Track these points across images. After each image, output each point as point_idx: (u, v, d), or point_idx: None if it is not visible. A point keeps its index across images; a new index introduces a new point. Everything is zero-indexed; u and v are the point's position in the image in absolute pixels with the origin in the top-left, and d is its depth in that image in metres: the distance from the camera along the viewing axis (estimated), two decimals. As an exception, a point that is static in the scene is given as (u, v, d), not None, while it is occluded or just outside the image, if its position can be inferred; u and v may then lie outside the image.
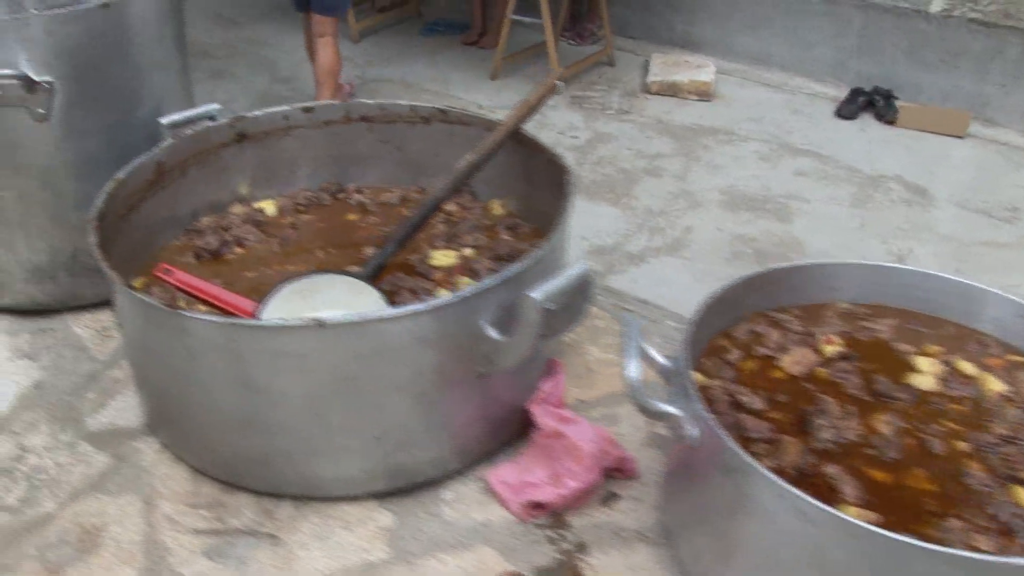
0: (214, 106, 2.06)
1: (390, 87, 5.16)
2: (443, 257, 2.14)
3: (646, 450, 2.22)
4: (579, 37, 5.77)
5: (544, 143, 2.09)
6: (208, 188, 2.17)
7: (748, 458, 1.42)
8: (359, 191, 2.27)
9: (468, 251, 2.11)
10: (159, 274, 2.00)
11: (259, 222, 2.17)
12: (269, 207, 2.20)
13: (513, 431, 1.93)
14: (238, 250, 2.10)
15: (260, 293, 1.91)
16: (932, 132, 4.91)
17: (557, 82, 1.99)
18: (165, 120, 2.04)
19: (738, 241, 3.74)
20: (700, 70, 5.25)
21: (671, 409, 1.52)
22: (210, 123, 2.11)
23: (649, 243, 3.73)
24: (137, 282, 2.04)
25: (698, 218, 3.90)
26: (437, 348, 1.67)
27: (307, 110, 2.08)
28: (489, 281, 1.64)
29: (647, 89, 5.16)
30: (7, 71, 1.91)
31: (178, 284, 1.98)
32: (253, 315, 1.84)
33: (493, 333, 1.65)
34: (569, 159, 4.16)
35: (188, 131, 2.05)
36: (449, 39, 5.86)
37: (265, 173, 2.21)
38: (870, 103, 5.12)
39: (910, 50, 5.20)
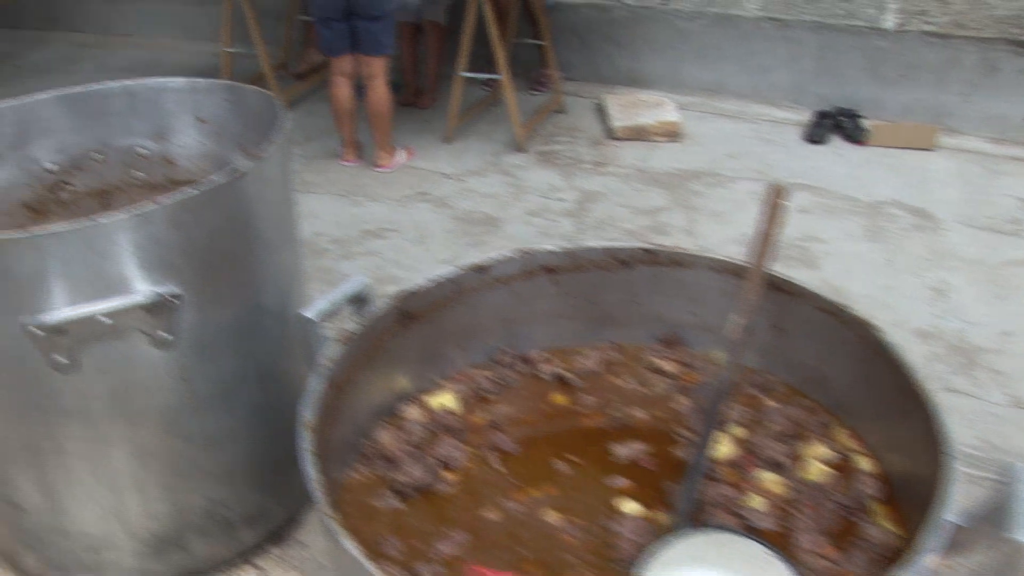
0: (361, 280, 1.51)
1: (337, 165, 4.63)
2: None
3: None
4: (539, 85, 5.31)
5: (808, 287, 1.63)
6: (373, 390, 1.61)
7: None
8: (547, 360, 1.74)
9: (738, 430, 1.62)
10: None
11: (451, 428, 1.62)
12: (449, 401, 1.66)
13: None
14: (448, 476, 1.55)
15: (531, 550, 1.38)
16: (903, 147, 4.85)
17: (781, 188, 1.55)
18: (311, 312, 1.48)
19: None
20: (662, 109, 4.92)
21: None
22: (362, 306, 1.56)
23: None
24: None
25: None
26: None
27: (480, 269, 1.56)
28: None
29: (613, 135, 4.80)
30: (126, 301, 1.32)
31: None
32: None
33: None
34: (566, 226, 3.76)
35: (352, 326, 1.49)
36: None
37: (429, 355, 1.66)
38: (837, 125, 4.93)
39: (868, 67, 5.13)
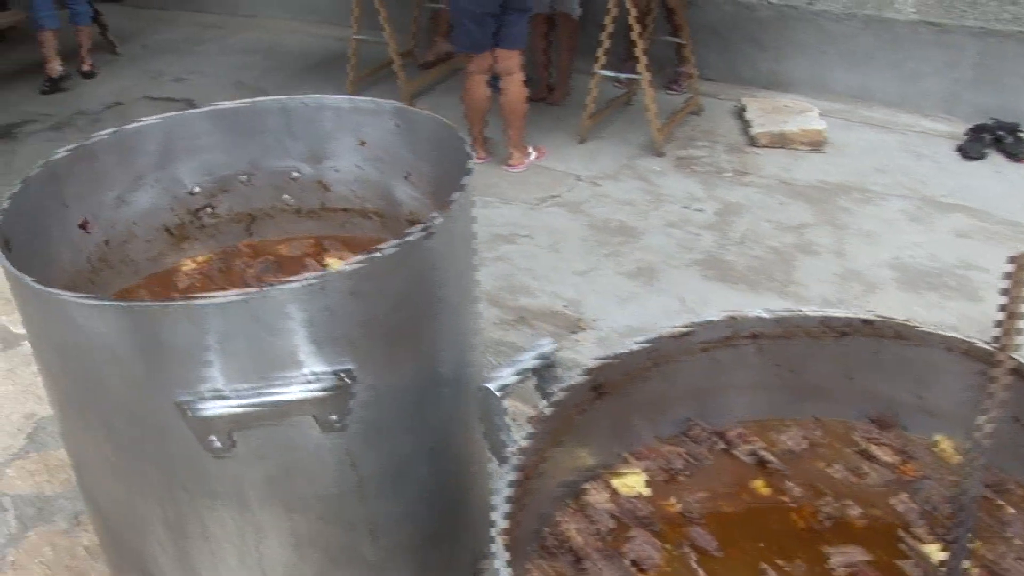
0: (547, 345, 1.31)
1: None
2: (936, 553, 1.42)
3: None
4: (676, 84, 5.06)
5: None
6: (557, 471, 1.41)
7: None
8: (744, 436, 1.52)
9: (979, 545, 1.38)
10: None
11: (641, 518, 1.41)
12: (637, 483, 1.45)
13: None
14: None
15: None
16: None
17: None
18: (495, 386, 1.29)
19: (940, 333, 3.12)
20: (806, 116, 4.63)
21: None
22: (547, 374, 1.36)
23: (843, 344, 3.07)
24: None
25: (881, 306, 3.33)
26: None
27: (680, 336, 1.34)
28: None
29: (753, 142, 4.53)
30: (294, 382, 1.14)
31: None
32: None
33: None
34: (708, 240, 3.53)
35: (546, 405, 1.29)
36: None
37: (616, 428, 1.46)
38: (995, 140, 4.57)
39: (1034, 78, 4.62)
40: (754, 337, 1.57)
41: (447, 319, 1.41)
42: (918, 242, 3.82)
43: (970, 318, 3.31)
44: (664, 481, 1.51)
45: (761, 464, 1.55)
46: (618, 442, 1.54)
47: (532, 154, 4.31)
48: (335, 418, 1.23)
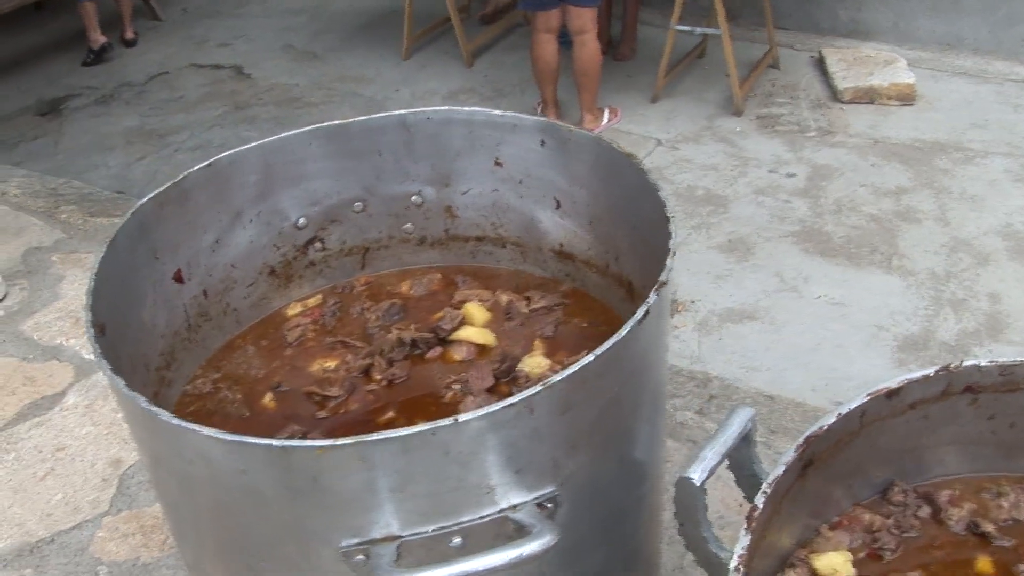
0: (746, 415, 1.10)
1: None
2: None
3: None
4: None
5: None
6: (759, 562, 1.20)
7: None
8: (955, 501, 1.31)
9: None
10: None
11: None
12: (843, 564, 1.24)
13: None
14: None
15: None
16: None
17: None
18: (696, 475, 1.07)
19: (1063, 308, 2.95)
20: (893, 68, 4.33)
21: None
22: (746, 449, 1.14)
23: (960, 325, 3.01)
24: None
25: (996, 279, 3.23)
26: None
27: (891, 394, 1.12)
28: None
29: (838, 97, 4.26)
30: (487, 519, 0.92)
31: None
32: None
33: None
34: (802, 209, 3.30)
35: (761, 500, 1.08)
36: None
37: (816, 501, 1.24)
38: (1099, 88, 4.24)
39: None
40: (972, 390, 1.34)
41: (648, 411, 1.18)
42: (1028, 205, 3.55)
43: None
44: (869, 559, 1.30)
45: (980, 536, 1.32)
46: (816, 514, 1.33)
47: (607, 117, 4.05)
48: (532, 549, 1.01)
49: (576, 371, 0.92)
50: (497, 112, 1.44)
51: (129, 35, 5.57)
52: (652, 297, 1.01)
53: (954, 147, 3.98)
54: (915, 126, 4.16)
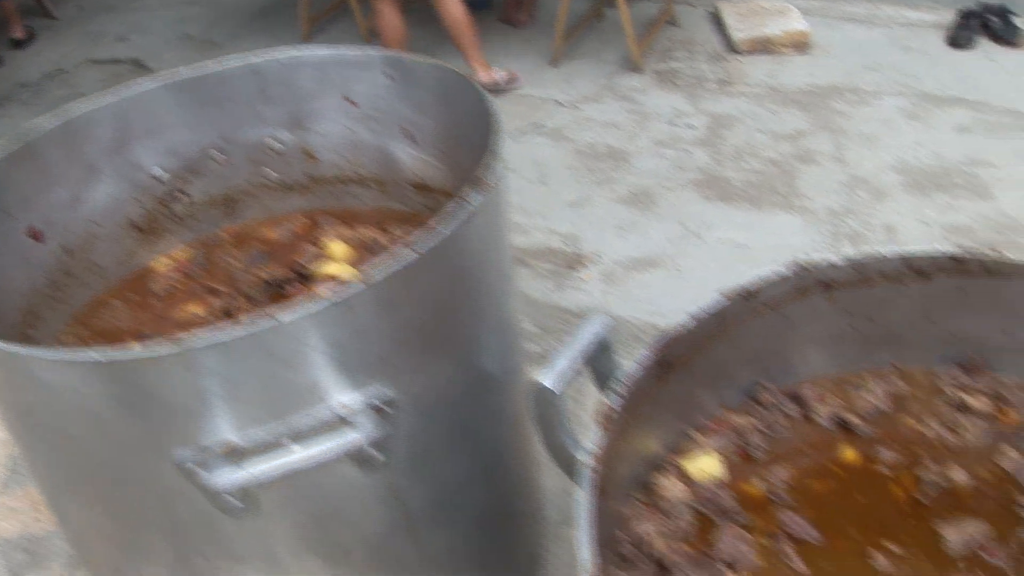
0: (602, 322, 1.11)
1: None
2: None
3: None
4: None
5: None
6: (625, 467, 1.22)
7: None
8: (821, 397, 1.34)
9: None
10: None
11: (725, 508, 1.23)
12: (712, 466, 1.26)
13: None
14: None
15: None
16: None
17: None
18: (550, 380, 1.08)
19: (956, 234, 3.12)
20: (786, 17, 4.41)
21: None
22: (603, 355, 1.16)
23: (859, 257, 2.97)
24: None
25: (892, 211, 3.31)
26: None
27: (748, 296, 1.14)
28: None
29: (735, 48, 4.30)
30: (321, 421, 0.92)
31: None
32: None
33: None
34: (702, 158, 3.36)
35: (617, 401, 1.09)
36: (481, 14, 4.76)
37: (680, 405, 1.27)
38: (984, 25, 4.37)
39: (1018, -47, 4.43)
40: (825, 286, 1.37)
41: (492, 313, 1.19)
42: (920, 141, 3.66)
43: (987, 217, 3.15)
44: (740, 459, 1.32)
45: (844, 428, 1.36)
46: (684, 419, 1.35)
47: (500, 73, 4.02)
48: (376, 454, 1.01)
49: (398, 269, 0.92)
50: (343, 49, 1.43)
51: (19, 35, 5.42)
52: (473, 196, 1.01)
53: (849, 90, 4.05)
54: (811, 72, 4.22)
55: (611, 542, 1.23)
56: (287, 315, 0.90)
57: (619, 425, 1.15)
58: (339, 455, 0.97)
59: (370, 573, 1.23)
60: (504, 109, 4.07)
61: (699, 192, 3.39)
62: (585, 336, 1.18)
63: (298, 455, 0.93)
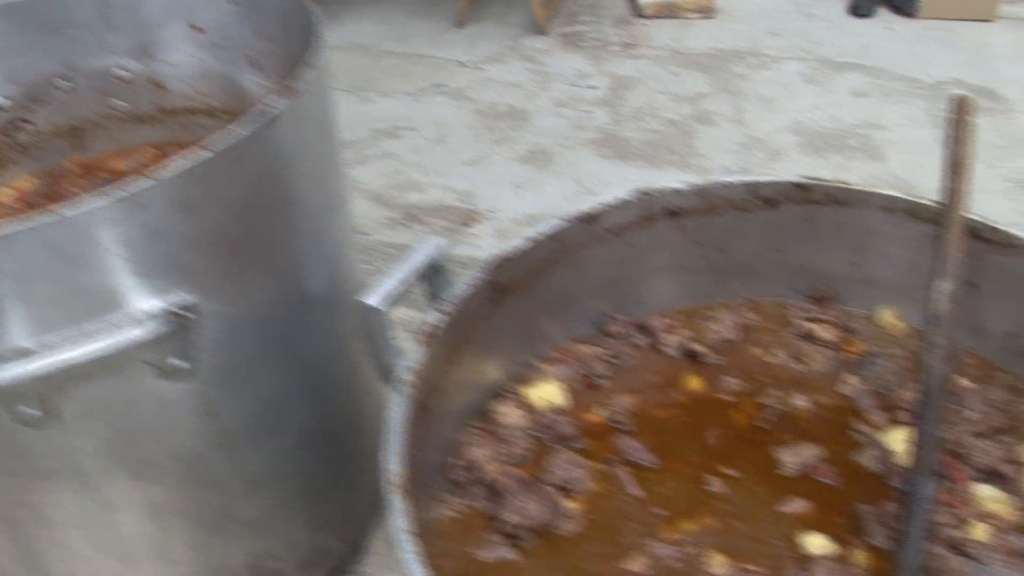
0: (434, 244, 1.09)
1: (341, 57, 4.12)
2: (896, 439, 1.26)
3: None
4: None
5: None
6: (460, 391, 1.19)
7: None
8: (670, 327, 1.33)
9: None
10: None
11: (563, 434, 1.21)
12: (553, 394, 1.25)
13: None
14: (571, 506, 1.14)
15: None
16: (959, 19, 4.37)
17: (968, 101, 1.15)
18: (376, 300, 1.05)
19: (848, 195, 3.04)
20: (692, -18, 4.38)
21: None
22: (436, 278, 1.13)
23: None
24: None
25: (787, 171, 3.24)
26: None
27: (589, 219, 1.13)
28: None
29: (640, 12, 4.31)
30: (118, 326, 0.87)
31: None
32: None
33: None
34: (601, 117, 3.35)
35: (441, 318, 1.06)
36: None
37: (523, 332, 1.25)
38: (883, -6, 4.43)
39: (917, -74, 4.48)
40: (672, 214, 1.36)
41: (310, 227, 1.15)
42: (817, 104, 3.70)
43: (877, 177, 3.19)
44: (585, 388, 1.31)
45: (692, 358, 1.35)
46: (527, 349, 1.32)
47: None
48: (180, 363, 0.97)
49: (190, 167, 0.87)
50: (189, -26, 1.38)
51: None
52: (277, 102, 0.97)
53: (751, 54, 4.07)
54: (715, 36, 4.24)
55: (444, 468, 1.20)
56: (70, 209, 0.85)
57: (445, 345, 1.11)
58: (124, 353, 0.92)
59: (184, 489, 1.19)
60: (406, 70, 4.03)
61: (597, 151, 3.38)
62: (416, 257, 1.15)
63: (79, 350, 0.88)
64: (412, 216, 3.08)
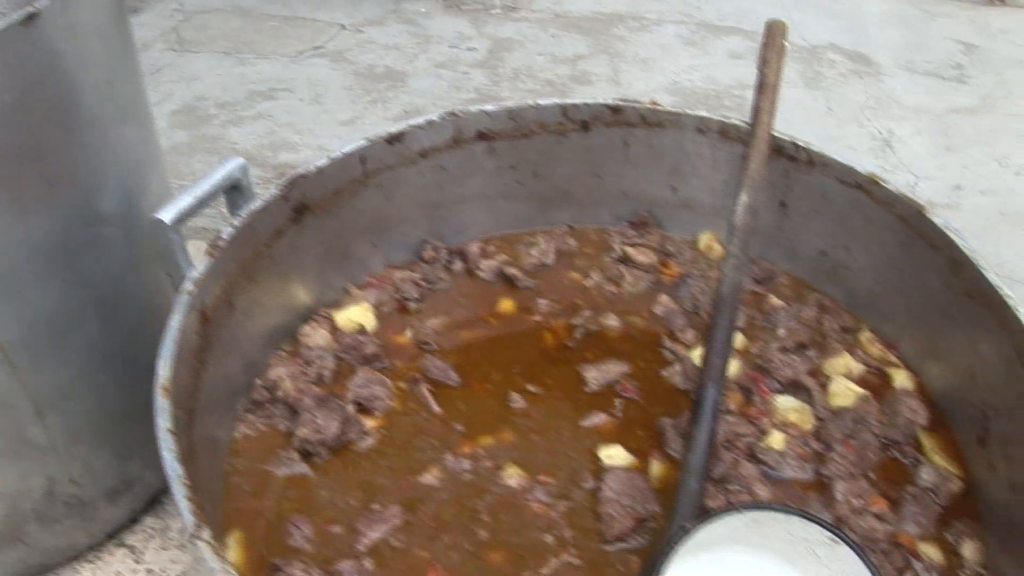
0: (234, 163, 1.06)
1: (222, 19, 4.03)
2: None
3: None
4: None
5: (828, 154, 1.23)
6: (263, 312, 1.17)
7: None
8: (487, 253, 1.32)
9: (738, 338, 1.24)
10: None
11: (366, 354, 1.20)
12: (361, 315, 1.23)
13: None
14: (369, 424, 1.13)
15: (489, 528, 0.99)
16: None
17: (782, 26, 1.18)
18: (167, 215, 1.02)
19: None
20: (575, -54, 4.38)
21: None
22: (239, 198, 1.11)
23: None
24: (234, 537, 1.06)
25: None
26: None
27: (394, 139, 1.12)
28: None
29: (523, -24, 4.26)
30: None
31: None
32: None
33: None
34: (479, 78, 3.33)
35: (228, 231, 1.04)
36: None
37: (334, 257, 1.23)
38: (765, -40, 4.48)
39: None
40: (484, 137, 1.34)
41: (95, 140, 1.10)
42: (694, 65, 3.73)
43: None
44: (394, 312, 1.29)
45: (507, 282, 1.34)
46: (340, 273, 1.30)
47: None
48: None
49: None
50: None
51: None
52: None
53: (632, 17, 4.09)
54: (597, 1, 4.24)
55: (247, 388, 1.17)
56: None
57: (236, 259, 1.08)
58: None
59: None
60: (286, 32, 3.96)
61: (472, 110, 3.35)
62: (213, 176, 1.11)
63: None
64: (283, 175, 3.02)
